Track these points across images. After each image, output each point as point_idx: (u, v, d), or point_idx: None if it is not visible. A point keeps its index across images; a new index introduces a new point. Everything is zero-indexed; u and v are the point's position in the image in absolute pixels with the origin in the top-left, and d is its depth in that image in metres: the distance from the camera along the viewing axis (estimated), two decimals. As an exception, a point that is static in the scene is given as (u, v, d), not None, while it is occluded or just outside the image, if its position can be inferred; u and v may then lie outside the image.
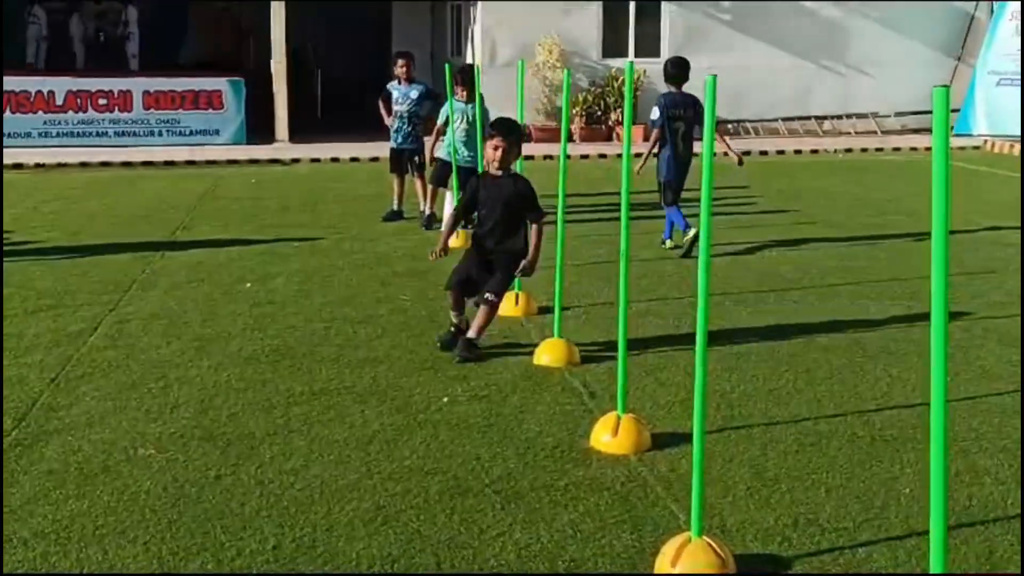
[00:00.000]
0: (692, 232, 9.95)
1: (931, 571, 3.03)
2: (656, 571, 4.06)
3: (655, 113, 10.42)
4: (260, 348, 7.14)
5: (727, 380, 6.42)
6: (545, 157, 18.03)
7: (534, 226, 6.91)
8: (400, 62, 12.27)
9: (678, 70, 10.49)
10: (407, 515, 4.60)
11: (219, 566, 4.14)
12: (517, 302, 7.94)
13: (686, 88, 10.51)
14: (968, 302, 8.30)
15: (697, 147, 8.34)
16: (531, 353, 6.86)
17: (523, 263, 6.92)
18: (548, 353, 6.77)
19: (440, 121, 11.41)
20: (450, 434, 5.57)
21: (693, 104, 10.35)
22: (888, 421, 5.75)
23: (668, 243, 10.59)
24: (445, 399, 6.12)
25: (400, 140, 12.22)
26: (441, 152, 11.43)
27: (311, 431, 5.60)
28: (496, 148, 6.90)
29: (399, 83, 12.21)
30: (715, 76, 3.89)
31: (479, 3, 21.42)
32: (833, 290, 8.85)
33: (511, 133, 6.97)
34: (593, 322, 7.77)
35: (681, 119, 10.39)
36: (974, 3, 23.70)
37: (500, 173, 7.00)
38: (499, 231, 6.98)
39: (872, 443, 5.46)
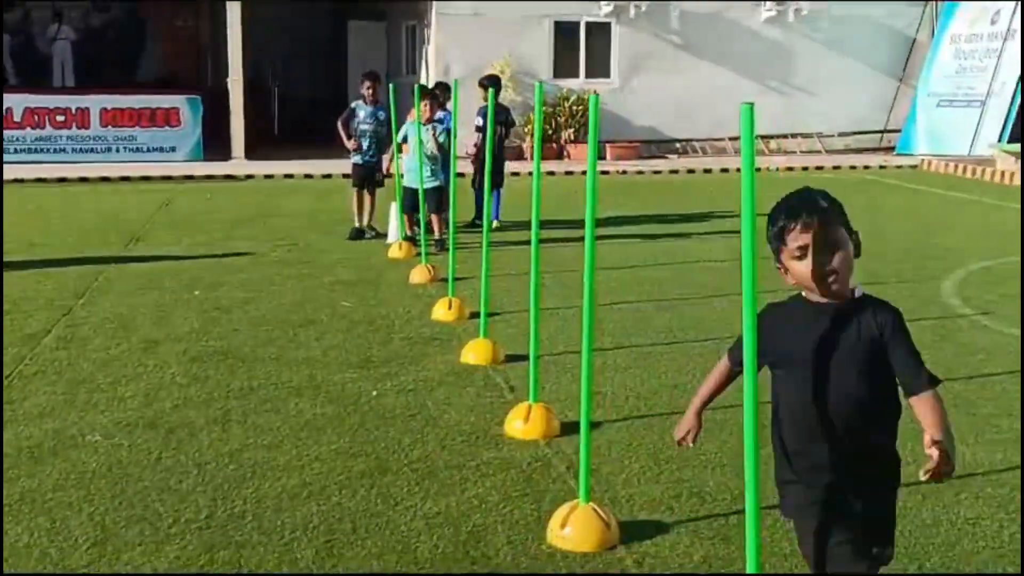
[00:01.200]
0: (495, 223, 12.07)
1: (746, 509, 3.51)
2: (548, 533, 4.55)
3: (479, 121, 13.05)
4: (204, 349, 7.58)
5: (637, 376, 6.94)
6: (495, 174, 18.61)
7: (929, 397, 3.09)
8: (367, 83, 12.65)
9: (494, 86, 12.71)
10: (330, 490, 5.07)
11: (156, 532, 4.60)
12: (450, 307, 8.42)
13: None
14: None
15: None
16: (459, 353, 7.35)
17: (937, 461, 2.94)
18: (473, 352, 7.26)
19: (399, 139, 11.83)
20: (376, 422, 6.05)
21: (503, 112, 13.29)
22: (780, 411, 6.25)
23: (495, 223, 12.25)
24: (375, 392, 6.59)
25: (367, 157, 12.59)
26: (407, 179, 11.56)
27: (248, 420, 6.07)
28: (804, 252, 3.23)
29: (365, 103, 12.61)
30: (598, 95, 4.41)
31: (433, 24, 21.98)
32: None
33: (839, 214, 3.25)
34: (521, 326, 8.23)
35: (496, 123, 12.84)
36: (917, 23, 24.49)
37: (827, 299, 3.22)
38: (857, 420, 3.18)
39: (763, 428, 5.91)
